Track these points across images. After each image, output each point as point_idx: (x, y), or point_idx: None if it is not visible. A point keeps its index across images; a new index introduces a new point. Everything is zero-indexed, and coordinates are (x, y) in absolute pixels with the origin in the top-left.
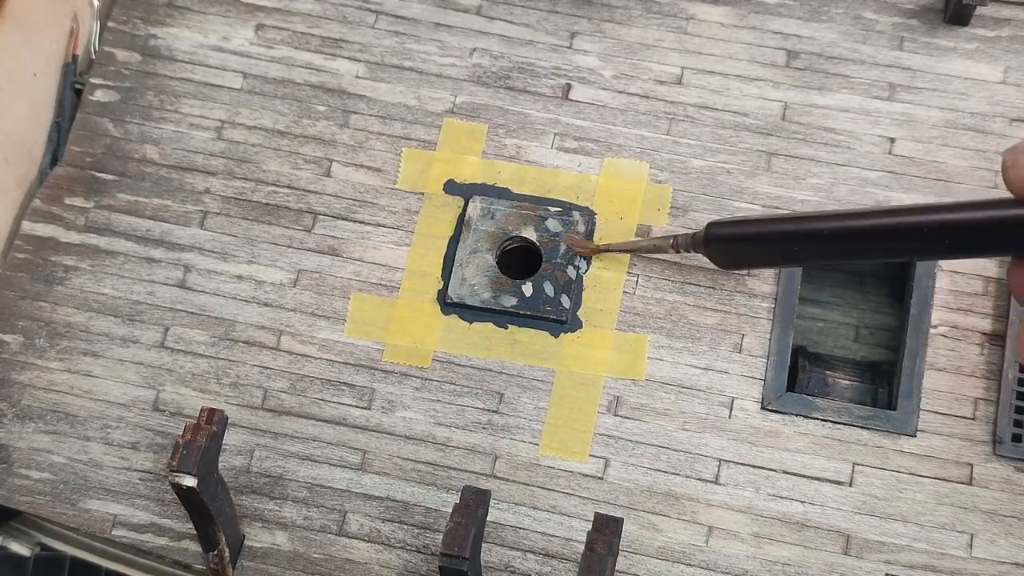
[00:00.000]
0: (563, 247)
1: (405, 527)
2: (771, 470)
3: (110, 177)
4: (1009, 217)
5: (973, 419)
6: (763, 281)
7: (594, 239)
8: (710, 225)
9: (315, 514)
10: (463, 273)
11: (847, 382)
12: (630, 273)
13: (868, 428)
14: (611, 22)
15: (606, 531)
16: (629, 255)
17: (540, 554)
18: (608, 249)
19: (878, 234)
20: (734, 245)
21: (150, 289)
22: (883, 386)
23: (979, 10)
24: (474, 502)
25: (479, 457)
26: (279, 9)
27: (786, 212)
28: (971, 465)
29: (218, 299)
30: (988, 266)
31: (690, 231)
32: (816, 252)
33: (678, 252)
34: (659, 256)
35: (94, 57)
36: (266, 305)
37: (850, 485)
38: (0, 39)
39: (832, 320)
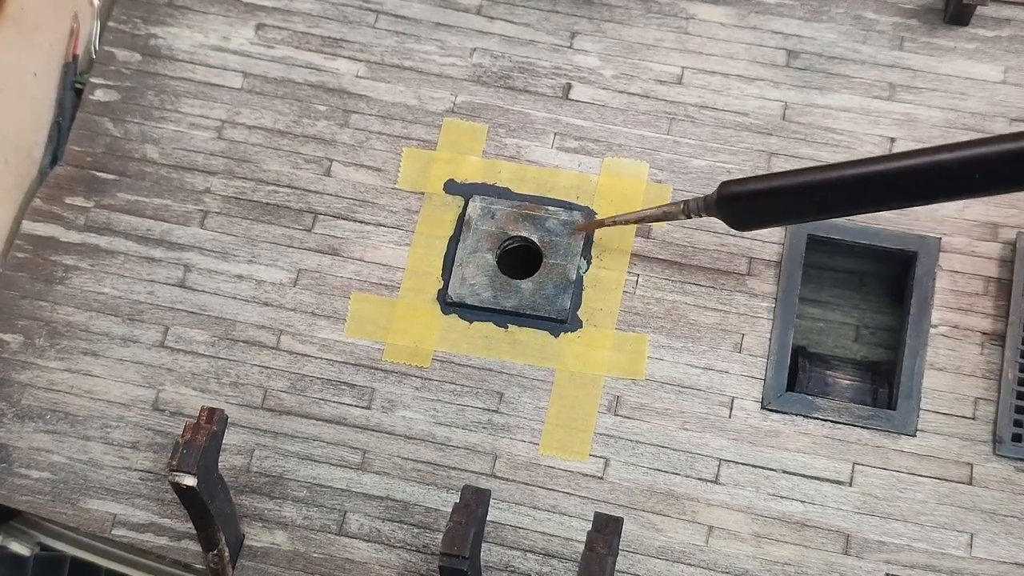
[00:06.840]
0: (568, 239)
1: (405, 527)
2: (771, 470)
3: (110, 177)
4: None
5: (973, 419)
6: (763, 281)
7: (594, 239)
8: (723, 184)
9: (315, 514)
10: (463, 273)
11: (847, 382)
12: (630, 273)
13: (868, 428)
14: (611, 22)
15: (606, 531)
16: (629, 254)
17: (540, 554)
18: (615, 222)
19: (899, 176)
20: (750, 202)
21: (150, 289)
22: (883, 386)
23: (979, 10)
24: (474, 502)
25: (479, 457)
26: (279, 9)
27: (800, 167)
28: (971, 465)
29: (218, 299)
30: (988, 266)
31: (700, 195)
32: (835, 202)
33: (689, 217)
34: (669, 225)
35: (94, 57)
36: (266, 305)
37: (850, 485)
38: (0, 39)
39: (832, 320)
